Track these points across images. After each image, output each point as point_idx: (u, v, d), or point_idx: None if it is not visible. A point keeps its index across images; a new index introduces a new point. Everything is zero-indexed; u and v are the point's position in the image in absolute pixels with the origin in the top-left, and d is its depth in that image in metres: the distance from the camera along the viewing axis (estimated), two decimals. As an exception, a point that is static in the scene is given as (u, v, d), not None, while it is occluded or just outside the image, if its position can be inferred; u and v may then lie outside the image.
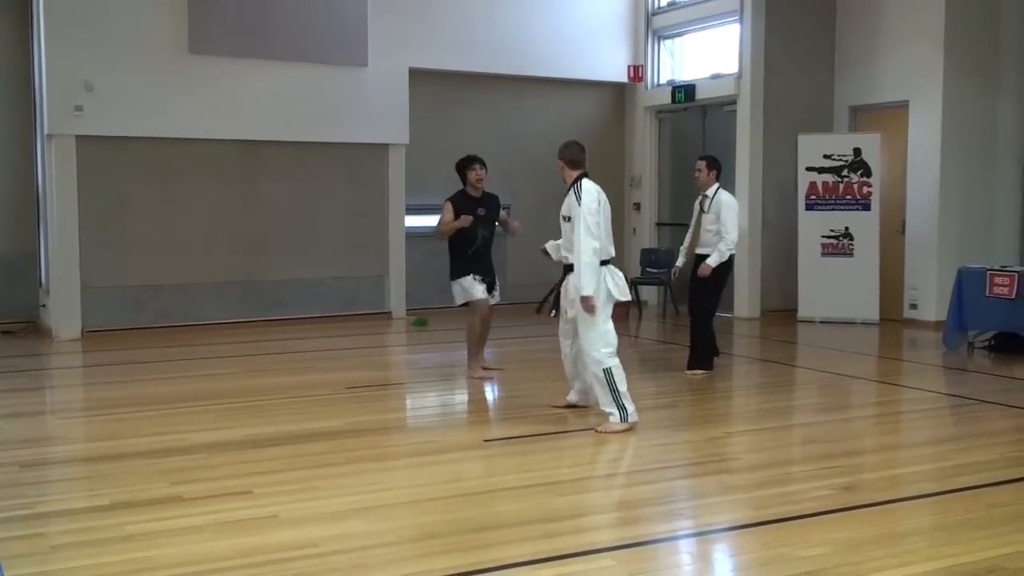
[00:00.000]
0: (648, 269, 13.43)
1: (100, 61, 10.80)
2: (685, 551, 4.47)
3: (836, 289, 11.82)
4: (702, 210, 8.65)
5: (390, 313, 12.66)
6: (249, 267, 11.94)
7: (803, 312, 12.07)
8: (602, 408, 6.60)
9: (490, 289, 8.45)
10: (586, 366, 6.73)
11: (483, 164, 8.47)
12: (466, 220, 8.20)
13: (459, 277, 8.35)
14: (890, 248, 11.90)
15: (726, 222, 8.47)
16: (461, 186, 8.50)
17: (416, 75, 12.55)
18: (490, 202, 8.51)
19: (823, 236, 11.99)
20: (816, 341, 10.77)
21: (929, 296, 11.51)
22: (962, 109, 11.37)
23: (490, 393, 8.19)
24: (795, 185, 12.13)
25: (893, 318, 11.86)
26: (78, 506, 5.01)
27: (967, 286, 9.81)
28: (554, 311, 7.01)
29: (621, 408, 6.51)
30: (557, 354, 9.41)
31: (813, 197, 12.04)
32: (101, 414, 7.35)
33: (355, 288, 12.58)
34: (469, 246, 8.31)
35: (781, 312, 12.45)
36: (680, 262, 9.08)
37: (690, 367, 8.61)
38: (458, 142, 13.30)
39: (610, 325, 6.62)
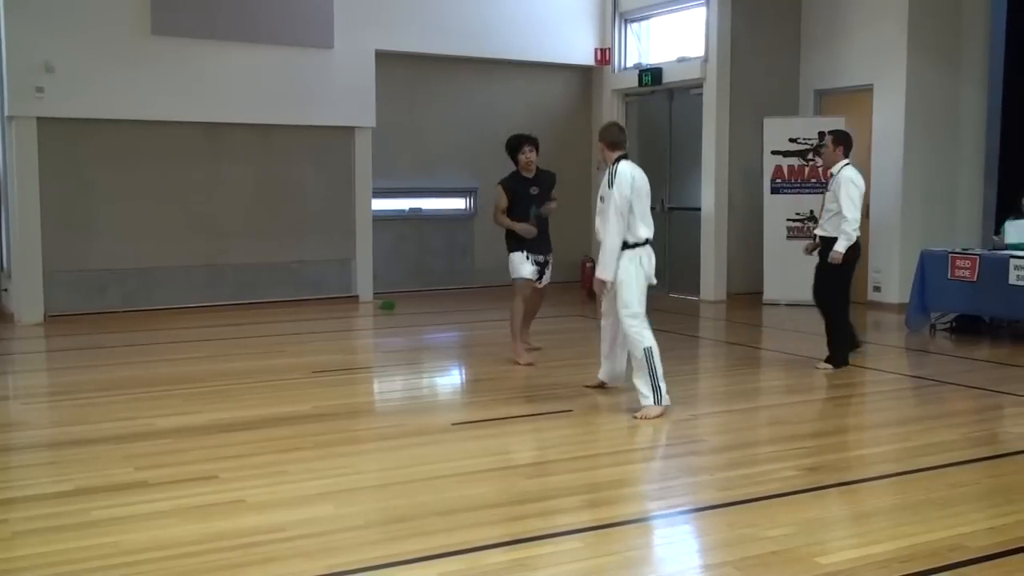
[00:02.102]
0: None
1: (61, 42, 10.64)
2: (651, 533, 4.50)
3: (801, 272, 11.82)
4: (826, 189, 8.19)
5: (357, 297, 12.61)
6: (214, 251, 11.85)
7: (768, 295, 12.15)
8: (637, 388, 6.51)
9: (541, 272, 8.33)
10: (625, 346, 6.77)
11: (534, 145, 8.30)
12: (528, 231, 8.16)
13: (511, 251, 8.29)
14: (854, 231, 11.99)
15: (843, 201, 7.87)
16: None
17: (382, 57, 12.48)
18: (544, 180, 8.39)
19: (788, 219, 12.07)
20: (781, 323, 10.86)
21: (892, 278, 11.62)
22: (925, 93, 11.47)
23: (459, 376, 8.18)
24: (761, 168, 12.20)
25: (857, 300, 11.91)
26: (42, 492, 4.97)
27: (929, 269, 9.92)
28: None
29: (656, 390, 6.46)
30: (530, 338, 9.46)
31: (779, 180, 12.11)
32: (65, 399, 7.28)
33: (322, 272, 12.52)
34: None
35: (747, 295, 12.53)
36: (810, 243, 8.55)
37: (829, 360, 8.07)
38: (425, 125, 13.32)
39: (643, 308, 6.62)
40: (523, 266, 8.23)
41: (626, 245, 6.56)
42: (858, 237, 7.95)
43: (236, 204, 11.94)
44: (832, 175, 8.07)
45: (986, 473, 5.32)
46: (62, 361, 9.06)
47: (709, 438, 6.11)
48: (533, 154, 8.28)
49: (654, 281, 6.74)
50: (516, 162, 8.32)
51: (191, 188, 11.66)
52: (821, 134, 11.89)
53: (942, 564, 3.98)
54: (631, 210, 6.54)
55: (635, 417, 6.42)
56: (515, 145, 8.31)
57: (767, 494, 4.88)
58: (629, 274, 6.55)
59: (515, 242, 8.27)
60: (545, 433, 6.18)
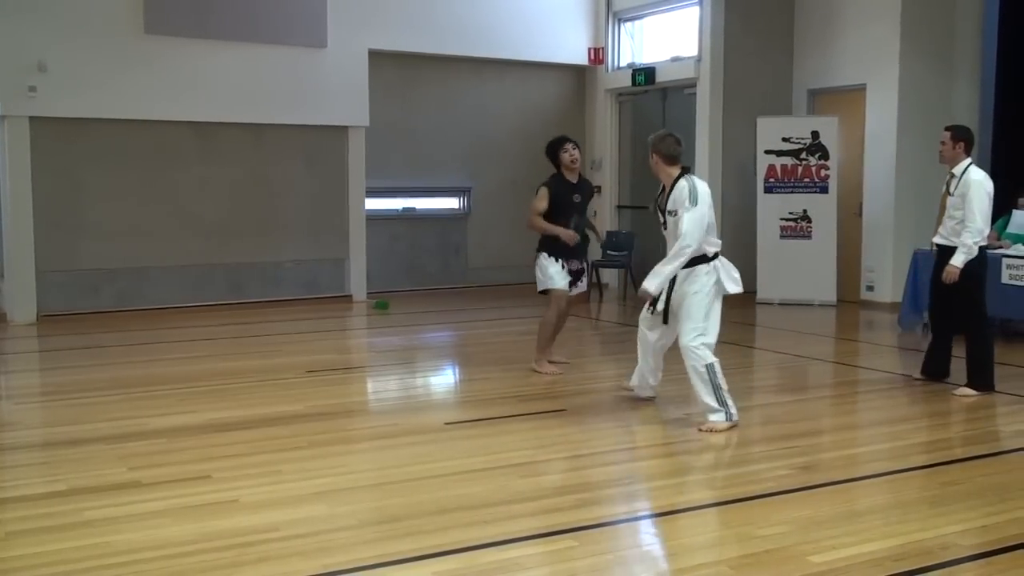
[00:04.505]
0: (609, 252, 13.46)
1: (54, 41, 10.62)
2: (645, 531, 4.51)
3: (794, 271, 11.93)
4: (948, 192, 7.20)
5: (351, 296, 12.61)
6: (208, 250, 11.83)
7: (762, 294, 12.17)
8: (705, 405, 6.18)
9: (576, 279, 7.71)
10: (661, 355, 6.62)
11: (576, 144, 7.69)
12: (571, 238, 7.48)
13: (542, 251, 7.60)
14: (847, 230, 12.03)
15: (972, 207, 6.95)
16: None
17: (376, 56, 12.47)
18: (585, 188, 7.77)
19: (781, 219, 12.09)
20: (774, 323, 10.87)
21: (885, 278, 11.65)
22: (918, 92, 11.50)
23: (452, 376, 8.18)
24: (754, 168, 12.22)
25: (850, 300, 11.99)
26: (35, 492, 4.96)
27: (922, 268, 9.90)
28: (652, 308, 6.47)
29: (723, 404, 6.15)
30: (518, 337, 9.47)
31: (772, 180, 12.13)
32: (58, 399, 7.27)
33: (315, 271, 12.52)
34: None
35: (740, 294, 12.51)
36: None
37: (971, 385, 7.18)
38: (418, 124, 13.32)
39: (714, 321, 6.26)
40: (558, 275, 7.60)
41: (706, 259, 6.25)
42: (984, 246, 7.15)
43: (229, 203, 11.92)
44: (954, 175, 7.19)
45: (979, 472, 5.34)
46: (55, 361, 9.04)
47: (702, 437, 6.11)
48: (577, 152, 7.60)
49: (741, 289, 6.39)
50: (559, 163, 7.61)
51: (184, 187, 11.64)
52: (815, 133, 11.96)
53: (934, 562, 3.99)
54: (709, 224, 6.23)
55: (700, 430, 6.11)
56: (557, 144, 7.62)
57: (760, 493, 4.89)
58: (706, 286, 6.23)
59: (550, 246, 7.61)
60: (539, 432, 6.18)
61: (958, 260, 7.04)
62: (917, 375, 7.70)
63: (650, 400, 6.89)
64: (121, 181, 11.29)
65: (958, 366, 7.55)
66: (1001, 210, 10.39)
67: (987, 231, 7.20)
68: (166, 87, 11.22)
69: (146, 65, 11.10)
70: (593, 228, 8.25)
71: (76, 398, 7.18)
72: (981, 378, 7.20)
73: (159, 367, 8.36)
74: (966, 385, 7.23)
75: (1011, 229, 9.84)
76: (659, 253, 6.85)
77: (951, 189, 7.19)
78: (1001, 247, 9.58)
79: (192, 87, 11.38)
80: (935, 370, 7.58)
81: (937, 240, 7.29)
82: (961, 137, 7.25)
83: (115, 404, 6.90)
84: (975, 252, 7.05)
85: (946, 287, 7.18)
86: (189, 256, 11.74)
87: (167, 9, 11.12)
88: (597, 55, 14.08)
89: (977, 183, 7.05)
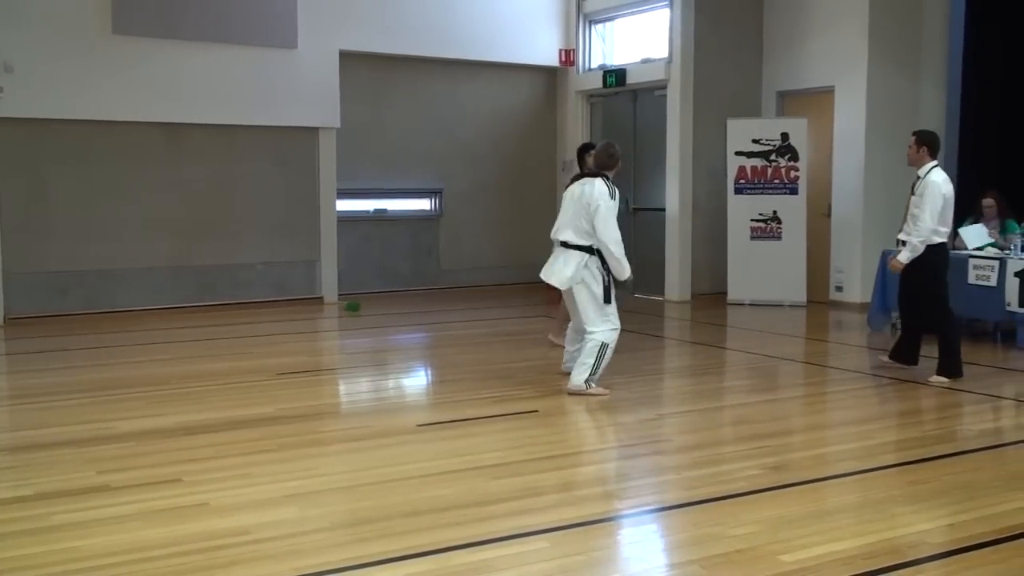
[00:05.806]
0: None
1: (20, 41, 10.51)
2: (618, 532, 4.52)
3: (764, 272, 12.00)
4: (911, 192, 7.64)
5: (322, 298, 12.56)
6: (178, 252, 11.75)
7: (732, 295, 12.24)
8: (580, 365, 7.08)
9: None
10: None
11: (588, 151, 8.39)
12: None
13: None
14: (817, 231, 12.11)
15: (924, 207, 7.38)
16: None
17: (347, 58, 12.43)
18: None
19: (752, 220, 12.16)
20: (745, 323, 10.93)
21: (854, 278, 11.74)
22: (886, 94, 11.60)
23: (424, 377, 8.16)
24: (724, 169, 12.28)
25: (820, 300, 12.08)
26: (2, 497, 4.90)
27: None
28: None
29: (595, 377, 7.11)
30: (491, 338, 9.46)
31: (742, 181, 12.20)
32: (25, 402, 7.19)
33: (286, 273, 12.46)
34: None
35: (711, 295, 12.61)
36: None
37: (940, 373, 7.62)
38: (389, 126, 13.29)
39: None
40: None
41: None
42: (944, 244, 7.54)
43: (200, 205, 11.85)
44: (919, 177, 7.58)
45: (946, 470, 5.39)
46: (22, 364, 8.94)
47: (674, 437, 6.14)
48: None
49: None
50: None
51: (154, 189, 11.56)
52: (784, 135, 12.03)
53: (903, 560, 4.02)
54: None
55: (569, 387, 7.14)
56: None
57: (732, 493, 4.91)
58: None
59: None
60: (511, 434, 6.19)
61: (903, 256, 7.51)
62: (885, 357, 8.06)
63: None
64: (89, 182, 11.19)
65: (927, 363, 7.76)
66: (968, 211, 10.51)
67: (944, 231, 7.54)
68: (135, 88, 11.13)
69: (114, 66, 11.00)
70: None
71: (43, 401, 7.10)
72: (949, 366, 7.64)
73: (128, 370, 8.29)
74: (937, 373, 7.64)
75: (972, 244, 9.89)
76: (630, 252, 6.93)
77: (914, 189, 7.63)
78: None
79: (161, 88, 11.29)
80: (902, 356, 7.97)
81: (901, 236, 7.70)
82: (924, 141, 7.67)
83: (83, 407, 6.84)
84: (920, 250, 7.46)
85: (913, 283, 7.62)
86: (158, 258, 11.65)
87: (135, 9, 11.03)
88: (568, 57, 14.11)
89: (935, 184, 7.47)
